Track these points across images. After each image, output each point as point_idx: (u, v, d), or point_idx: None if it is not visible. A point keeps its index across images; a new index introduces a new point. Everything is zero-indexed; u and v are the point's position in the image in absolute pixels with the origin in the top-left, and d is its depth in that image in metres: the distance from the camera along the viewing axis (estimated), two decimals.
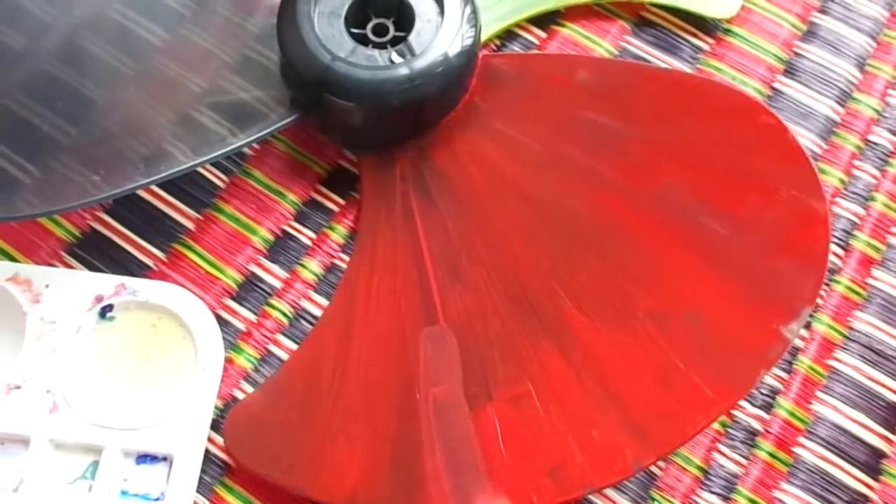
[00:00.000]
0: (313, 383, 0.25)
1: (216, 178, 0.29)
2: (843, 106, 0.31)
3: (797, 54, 0.31)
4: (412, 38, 0.27)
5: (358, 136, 0.29)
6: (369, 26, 0.28)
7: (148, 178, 0.26)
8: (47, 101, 0.27)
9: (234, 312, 0.27)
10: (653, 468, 0.25)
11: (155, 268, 0.28)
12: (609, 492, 0.25)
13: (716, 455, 0.26)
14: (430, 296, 0.26)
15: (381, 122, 0.28)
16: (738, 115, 0.27)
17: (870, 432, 0.26)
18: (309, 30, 0.27)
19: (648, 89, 0.28)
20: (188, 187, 0.29)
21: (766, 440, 0.26)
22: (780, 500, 0.25)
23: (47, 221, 0.28)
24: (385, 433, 0.24)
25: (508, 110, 0.28)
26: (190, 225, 0.28)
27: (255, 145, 0.29)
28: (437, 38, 0.27)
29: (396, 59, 0.27)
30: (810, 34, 0.32)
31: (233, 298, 0.27)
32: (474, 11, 0.27)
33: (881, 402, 0.26)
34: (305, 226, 0.28)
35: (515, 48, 0.31)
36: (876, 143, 0.30)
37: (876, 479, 0.26)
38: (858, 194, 0.29)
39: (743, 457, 0.26)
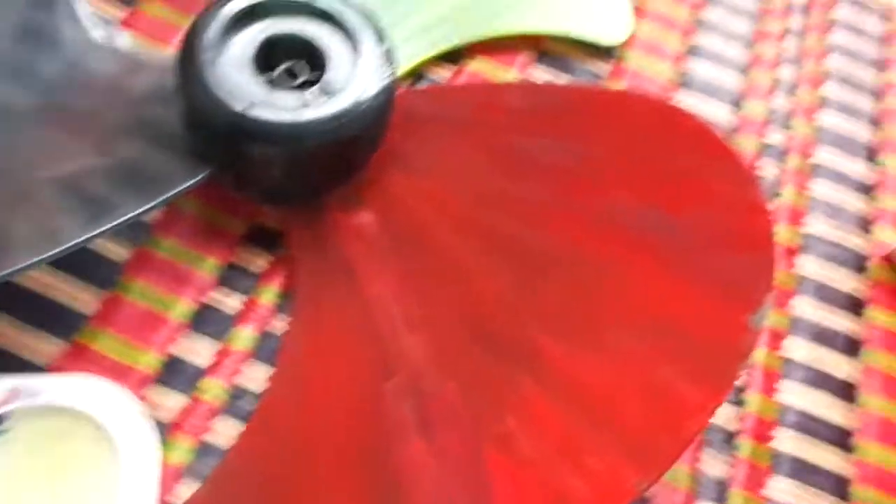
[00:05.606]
0: (270, 461, 0.22)
1: (117, 253, 0.25)
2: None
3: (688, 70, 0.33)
4: (328, 78, 0.25)
5: (280, 187, 0.26)
6: (281, 69, 0.26)
7: (38, 256, 0.22)
8: None
9: (157, 404, 0.23)
10: (644, 494, 0.24)
11: (55, 364, 0.23)
12: None
13: (700, 464, 0.25)
14: (386, 348, 0.24)
15: (304, 169, 0.26)
16: (662, 120, 0.27)
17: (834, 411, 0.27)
18: (215, 79, 0.24)
19: (572, 107, 0.28)
20: (87, 265, 0.25)
21: (744, 438, 0.26)
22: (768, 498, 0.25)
23: None
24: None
25: (436, 145, 0.27)
26: (92, 310, 0.24)
27: (159, 210, 0.26)
28: (355, 76, 0.25)
29: (313, 100, 0.25)
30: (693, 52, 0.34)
31: (155, 385, 0.24)
32: (389, 48, 0.26)
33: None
34: (230, 292, 0.25)
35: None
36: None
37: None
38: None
39: (727, 458, 0.25)
